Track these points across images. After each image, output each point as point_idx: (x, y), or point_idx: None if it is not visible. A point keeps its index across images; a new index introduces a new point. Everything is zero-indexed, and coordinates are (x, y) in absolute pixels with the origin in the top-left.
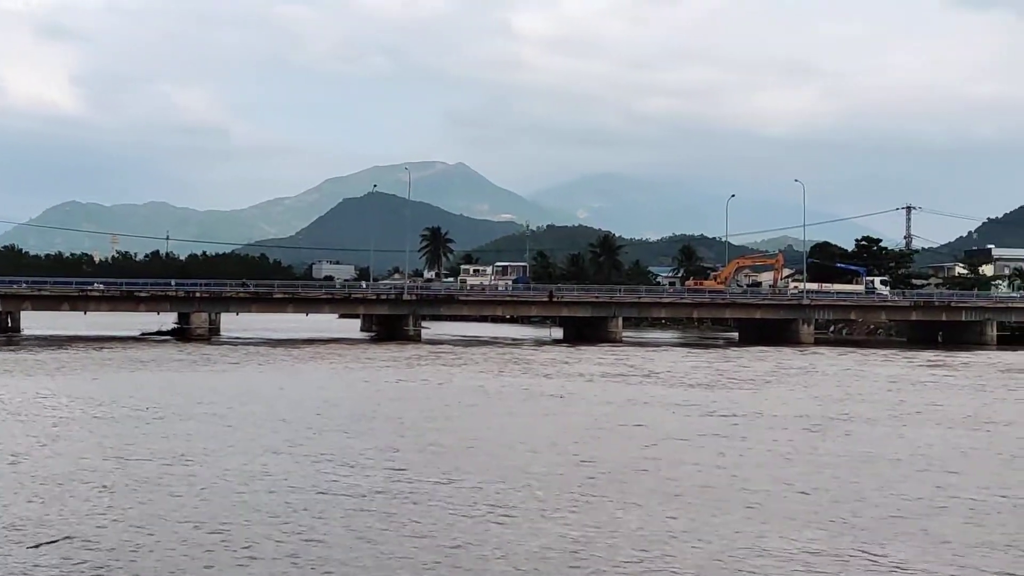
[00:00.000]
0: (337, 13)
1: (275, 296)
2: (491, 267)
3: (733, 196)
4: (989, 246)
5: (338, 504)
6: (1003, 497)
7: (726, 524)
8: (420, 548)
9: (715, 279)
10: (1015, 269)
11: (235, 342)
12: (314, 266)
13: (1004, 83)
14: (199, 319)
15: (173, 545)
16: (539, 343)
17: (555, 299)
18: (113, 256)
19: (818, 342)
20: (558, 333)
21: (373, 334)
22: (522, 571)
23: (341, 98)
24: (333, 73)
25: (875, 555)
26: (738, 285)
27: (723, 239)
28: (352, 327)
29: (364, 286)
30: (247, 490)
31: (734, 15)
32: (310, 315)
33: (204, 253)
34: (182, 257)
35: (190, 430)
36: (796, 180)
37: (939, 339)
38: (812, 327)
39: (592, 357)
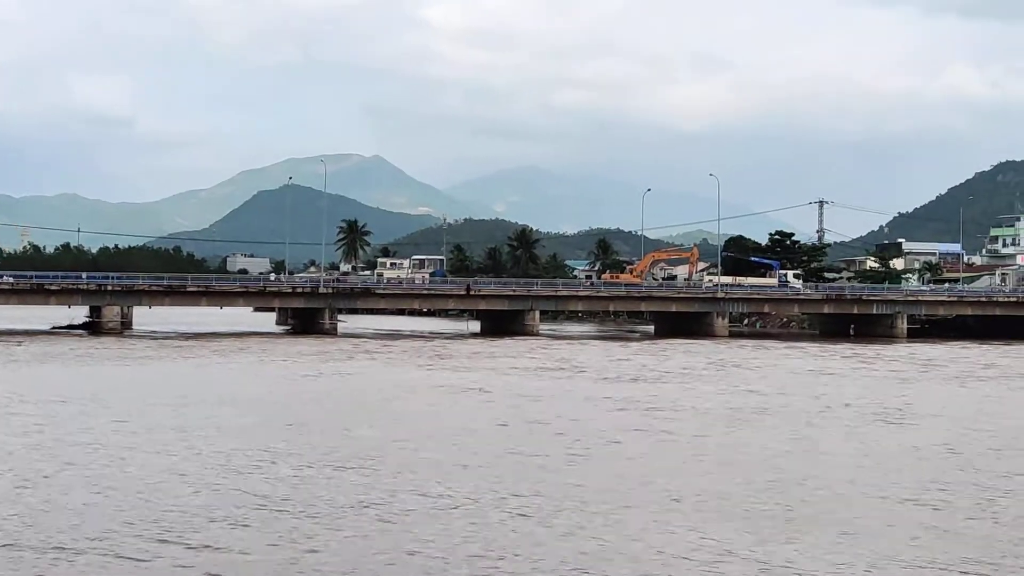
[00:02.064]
0: (248, 3)
1: (188, 289)
2: (408, 260)
3: (649, 190)
4: (900, 240)
5: (228, 501)
6: (930, 491)
7: (640, 520)
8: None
9: (631, 272)
10: (925, 263)
11: (147, 336)
12: (228, 259)
13: (913, 78)
14: (111, 312)
15: None
16: (456, 336)
17: (472, 292)
18: (23, 248)
19: (732, 335)
20: (475, 326)
21: (289, 328)
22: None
23: (255, 89)
24: (246, 64)
25: (783, 549)
26: (654, 278)
27: (639, 233)
28: (267, 321)
29: (274, 278)
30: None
31: (647, 8)
32: (224, 308)
33: (116, 246)
34: (94, 250)
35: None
36: (711, 174)
37: (851, 332)
38: (727, 320)
39: (510, 350)
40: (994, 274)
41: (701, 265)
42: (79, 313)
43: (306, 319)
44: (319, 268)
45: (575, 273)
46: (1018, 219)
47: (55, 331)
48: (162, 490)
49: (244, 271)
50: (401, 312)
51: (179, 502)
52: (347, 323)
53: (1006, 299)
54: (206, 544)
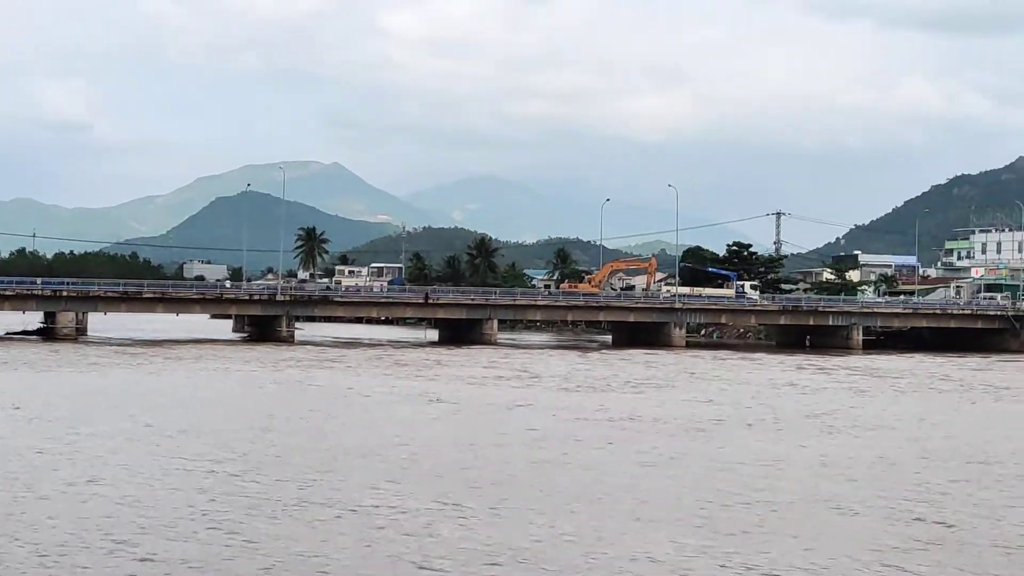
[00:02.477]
0: (206, 10)
1: (145, 296)
2: (367, 268)
3: (608, 200)
4: (856, 252)
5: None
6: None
7: (602, 528)
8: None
9: (590, 282)
10: (881, 275)
11: (102, 342)
12: (185, 265)
13: (869, 92)
14: (66, 318)
15: None
16: (414, 345)
17: (431, 301)
18: None
19: (690, 345)
20: (433, 335)
21: (245, 335)
22: None
23: (214, 96)
24: (204, 71)
25: (727, 557)
26: (612, 288)
27: (598, 243)
28: (224, 328)
29: (230, 285)
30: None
31: (606, 20)
32: (180, 315)
33: (72, 252)
34: (49, 255)
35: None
36: (670, 185)
37: (807, 343)
38: (684, 330)
39: (469, 359)
40: (949, 287)
41: (659, 275)
42: (34, 319)
43: (263, 326)
44: (276, 275)
45: (533, 282)
46: (973, 232)
47: (9, 336)
48: (91, 496)
49: (201, 278)
50: (359, 320)
51: (106, 508)
52: (304, 331)
53: (961, 311)
54: (128, 547)
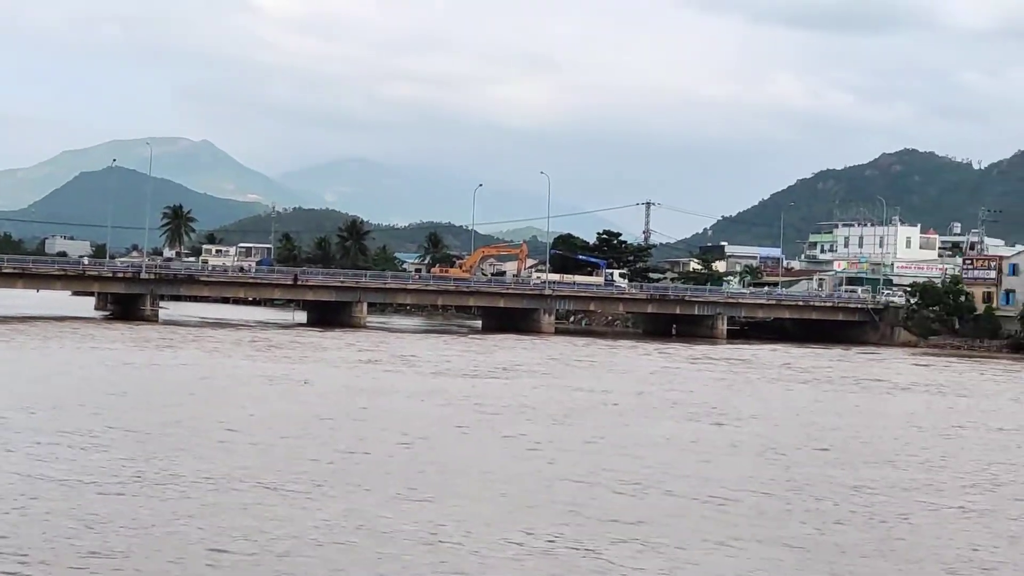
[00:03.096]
0: None
1: (4, 271)
2: (235, 248)
3: (480, 186)
4: (723, 243)
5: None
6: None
7: (444, 513)
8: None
9: (460, 267)
10: (746, 266)
11: None
12: (47, 241)
13: (737, 86)
14: None
15: None
16: (281, 327)
17: (300, 282)
18: None
19: (559, 332)
20: (302, 317)
21: (108, 313)
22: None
23: (77, 69)
24: (65, 42)
25: (563, 541)
26: (483, 274)
27: (470, 228)
28: (86, 305)
29: (87, 261)
30: None
31: (477, 6)
32: (41, 292)
33: None
34: None
35: None
36: (542, 172)
37: (673, 331)
38: (553, 317)
39: (337, 342)
40: (812, 279)
41: (530, 262)
42: None
43: (126, 305)
44: (142, 253)
45: (404, 266)
46: (836, 226)
47: None
48: None
49: (64, 254)
50: (226, 300)
51: None
52: (169, 310)
53: (823, 304)
54: None
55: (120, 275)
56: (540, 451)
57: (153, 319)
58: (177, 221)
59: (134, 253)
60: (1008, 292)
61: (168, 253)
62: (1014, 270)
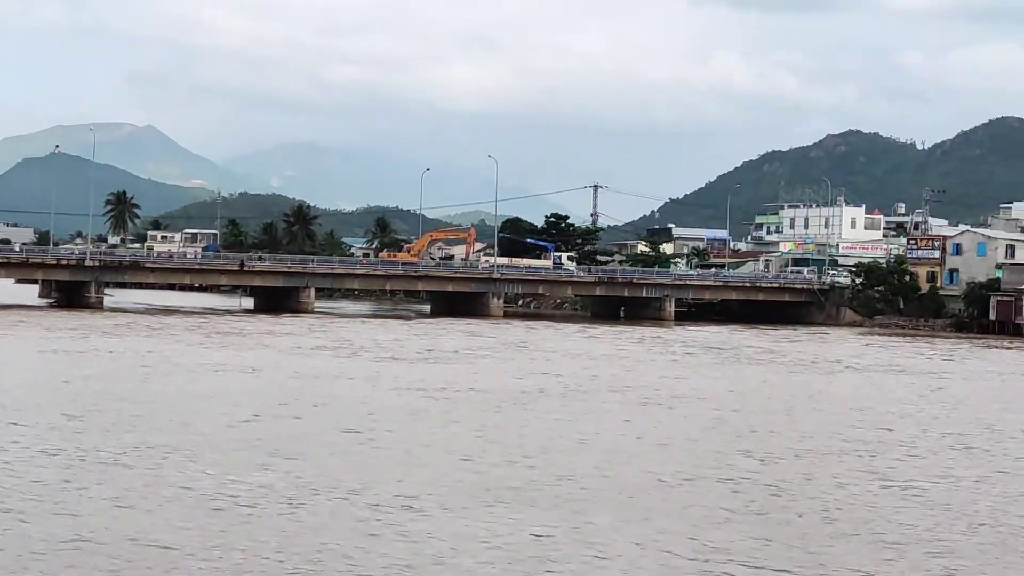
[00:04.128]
0: None
1: None
2: (180, 234)
3: (428, 170)
4: (670, 225)
5: None
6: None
7: (394, 504)
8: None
9: (409, 251)
10: (693, 248)
11: None
12: None
13: (682, 67)
14: None
15: None
16: (228, 313)
17: (246, 268)
18: None
19: (508, 315)
20: (249, 303)
21: (53, 301)
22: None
23: (16, 52)
24: (4, 25)
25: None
26: (431, 258)
27: (418, 212)
28: (30, 293)
29: (20, 248)
30: None
31: None
32: None
33: None
34: None
35: None
36: (490, 156)
37: (622, 314)
38: (502, 300)
39: (285, 328)
40: (758, 260)
41: (478, 246)
42: None
43: (71, 292)
44: (86, 240)
45: (352, 251)
46: (782, 207)
47: None
48: None
49: (6, 241)
50: (172, 287)
51: None
52: (115, 297)
53: (769, 284)
54: None
55: (64, 262)
56: (489, 436)
57: (99, 306)
58: (121, 207)
59: (78, 240)
60: (952, 272)
61: (113, 240)
62: (958, 249)
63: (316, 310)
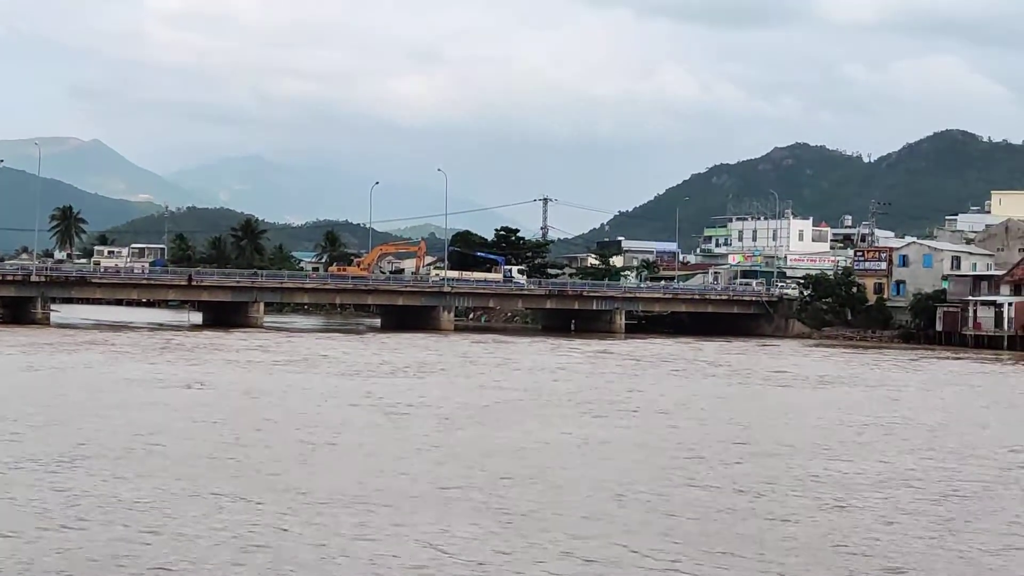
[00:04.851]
0: None
1: None
2: (127, 249)
3: (377, 183)
4: (619, 238)
5: None
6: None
7: (352, 519)
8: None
9: (359, 265)
10: (642, 261)
11: None
12: None
13: (627, 81)
14: None
15: None
16: (176, 328)
17: (194, 283)
18: None
19: (458, 329)
20: (197, 318)
21: None
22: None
23: None
24: None
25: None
26: (381, 271)
27: (367, 225)
28: None
29: None
30: None
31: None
32: None
33: None
34: None
35: None
36: (439, 169)
37: (572, 327)
38: (452, 314)
39: (233, 343)
40: (707, 273)
41: (429, 259)
42: None
43: (16, 308)
44: (31, 255)
45: (301, 265)
46: (730, 220)
47: None
48: None
49: None
50: (119, 302)
51: None
52: (61, 313)
53: (718, 296)
54: None
55: (10, 278)
56: (443, 450)
57: (45, 322)
58: (67, 222)
59: (24, 255)
60: (899, 283)
61: (59, 255)
62: (904, 261)
63: (265, 325)
